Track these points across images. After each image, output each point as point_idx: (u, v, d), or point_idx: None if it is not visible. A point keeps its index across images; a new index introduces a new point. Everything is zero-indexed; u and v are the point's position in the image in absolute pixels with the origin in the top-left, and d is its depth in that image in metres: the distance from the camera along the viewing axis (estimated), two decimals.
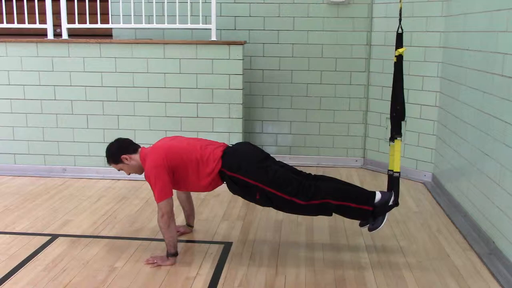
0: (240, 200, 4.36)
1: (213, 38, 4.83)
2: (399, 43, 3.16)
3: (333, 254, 3.40)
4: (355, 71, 5.43)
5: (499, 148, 3.29)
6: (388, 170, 3.25)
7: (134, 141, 4.89)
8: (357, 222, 3.95)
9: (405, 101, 4.93)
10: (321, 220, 3.97)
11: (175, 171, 3.16)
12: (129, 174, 3.40)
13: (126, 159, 3.27)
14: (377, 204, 3.11)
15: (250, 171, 3.11)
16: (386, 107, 5.19)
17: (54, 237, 3.62)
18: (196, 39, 5.33)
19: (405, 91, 4.91)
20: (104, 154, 3.36)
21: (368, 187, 4.80)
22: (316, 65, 5.47)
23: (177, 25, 4.89)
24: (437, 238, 3.66)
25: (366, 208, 3.11)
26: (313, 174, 3.31)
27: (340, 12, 5.34)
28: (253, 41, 5.44)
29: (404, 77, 4.89)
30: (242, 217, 4.03)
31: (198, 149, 3.20)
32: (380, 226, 3.13)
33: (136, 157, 3.28)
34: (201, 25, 4.91)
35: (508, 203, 3.12)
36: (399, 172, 3.21)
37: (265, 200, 3.16)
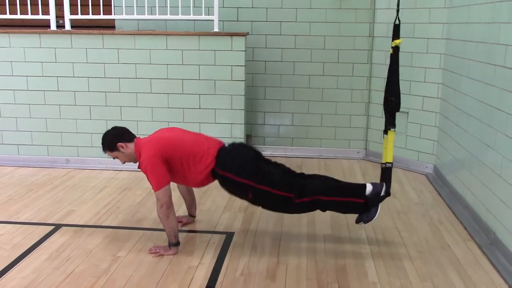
0: None
1: (216, 29, 4.83)
2: (395, 34, 3.17)
3: (335, 245, 3.42)
4: (357, 62, 5.43)
5: (501, 139, 3.30)
6: (382, 163, 3.26)
7: (137, 132, 4.93)
8: (357, 214, 3.99)
9: (408, 92, 5.03)
10: (322, 212, 3.99)
11: (170, 163, 3.18)
12: (123, 163, 3.39)
13: (122, 147, 3.27)
14: (369, 196, 3.13)
15: (243, 172, 3.13)
16: None
17: (57, 226, 3.65)
18: (198, 30, 5.34)
19: (407, 83, 5.02)
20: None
21: (370, 178, 4.84)
22: (318, 57, 5.46)
23: (180, 16, 4.89)
24: (438, 228, 3.68)
25: (358, 201, 3.13)
26: (305, 173, 3.34)
27: (342, 3, 5.32)
28: (255, 33, 5.44)
29: (407, 68, 4.99)
30: (243, 208, 4.05)
31: (194, 145, 3.23)
32: (375, 217, 3.15)
33: (131, 145, 3.28)
34: (203, 16, 4.91)
35: (509, 194, 3.13)
36: (391, 163, 3.23)
37: (258, 199, 3.20)
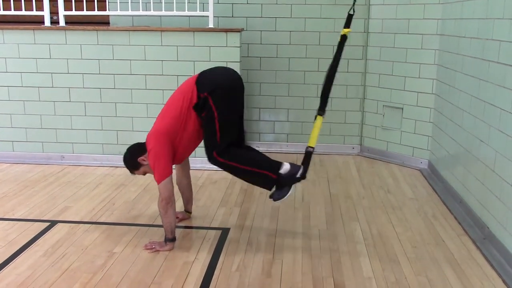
0: (237, 186, 4.40)
1: (211, 25, 4.83)
2: (347, 24, 3.26)
3: (330, 240, 3.43)
4: (352, 58, 5.43)
5: (495, 134, 3.32)
6: (307, 146, 3.29)
7: (132, 128, 4.93)
8: (351, 210, 4.01)
9: (403, 88, 5.05)
10: (318, 208, 4.01)
11: (174, 142, 3.18)
12: None
13: (143, 160, 3.28)
14: (284, 175, 3.19)
15: (216, 94, 3.11)
16: (383, 94, 5.25)
17: (53, 223, 3.64)
18: (193, 26, 5.33)
19: (402, 79, 5.05)
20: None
21: (365, 174, 4.86)
22: (313, 53, 5.47)
23: (174, 12, 4.88)
24: (432, 224, 3.70)
25: (270, 175, 3.20)
26: (243, 141, 3.37)
27: None
28: (250, 29, 5.43)
29: (401, 64, 5.01)
30: (239, 204, 4.06)
31: (174, 104, 3.21)
32: (286, 196, 3.22)
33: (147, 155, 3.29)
34: (198, 12, 4.90)
35: (503, 189, 3.15)
36: (313, 148, 3.27)
37: (205, 122, 3.15)
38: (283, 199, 3.22)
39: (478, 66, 3.68)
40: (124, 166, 3.41)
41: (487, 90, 3.48)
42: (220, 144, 3.14)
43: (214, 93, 3.11)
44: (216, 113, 3.10)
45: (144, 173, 3.40)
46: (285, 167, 3.21)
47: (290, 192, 3.23)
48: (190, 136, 3.23)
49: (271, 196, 3.28)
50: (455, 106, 4.18)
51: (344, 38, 3.25)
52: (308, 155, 3.28)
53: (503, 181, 3.14)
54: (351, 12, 3.25)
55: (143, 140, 3.33)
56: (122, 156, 3.40)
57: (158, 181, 3.14)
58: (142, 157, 3.29)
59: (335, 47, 5.26)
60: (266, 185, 3.29)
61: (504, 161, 3.14)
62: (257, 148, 4.92)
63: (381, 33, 5.20)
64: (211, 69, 3.39)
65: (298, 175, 3.22)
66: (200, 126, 3.23)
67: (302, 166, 3.25)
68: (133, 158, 3.32)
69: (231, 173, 3.34)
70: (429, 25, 4.78)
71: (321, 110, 3.29)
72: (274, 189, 3.27)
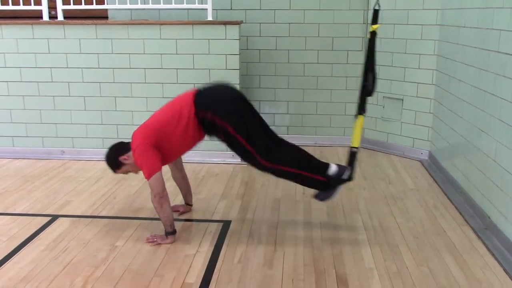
0: (238, 179, 4.40)
1: (209, 18, 4.81)
2: (374, 19, 3.15)
3: (331, 231, 3.44)
4: (351, 50, 5.42)
5: (495, 124, 3.31)
6: (350, 147, 3.27)
7: (132, 122, 4.93)
8: (353, 201, 4.01)
9: (403, 79, 5.03)
10: (318, 201, 4.00)
11: (159, 145, 3.16)
12: (137, 173, 3.37)
13: (125, 159, 3.27)
14: (332, 176, 3.17)
15: (219, 110, 3.10)
16: (383, 85, 5.23)
17: (54, 217, 3.65)
18: (192, 19, 5.31)
19: (401, 69, 5.02)
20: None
21: (365, 165, 4.86)
22: (313, 45, 5.46)
23: (173, 5, 4.87)
24: (433, 214, 3.71)
25: (320, 179, 3.18)
26: (280, 138, 3.29)
27: None
28: (249, 21, 5.42)
29: (401, 55, 4.99)
30: (240, 196, 4.06)
31: (169, 108, 3.20)
32: (331, 197, 3.21)
33: (130, 153, 3.26)
34: (197, 5, 4.89)
35: (504, 178, 3.15)
36: (357, 148, 3.25)
37: (228, 142, 3.17)
38: (328, 200, 3.22)
39: (478, 56, 3.67)
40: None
41: (488, 79, 3.47)
42: (257, 151, 3.10)
43: (217, 111, 3.10)
44: (230, 128, 3.09)
45: (126, 172, 3.38)
46: (333, 169, 3.17)
47: (336, 193, 3.21)
48: (179, 141, 3.21)
49: (315, 197, 3.27)
50: (456, 97, 4.17)
51: (373, 34, 3.15)
52: (353, 155, 3.24)
53: (504, 171, 3.14)
54: (377, 7, 3.13)
55: None
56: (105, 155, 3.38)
57: (148, 177, 3.12)
58: (124, 156, 3.27)
59: (334, 39, 5.39)
60: (317, 187, 3.26)
61: (505, 150, 3.14)
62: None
63: (381, 24, 5.14)
64: (206, 88, 3.29)
65: (345, 177, 3.19)
66: (198, 138, 3.26)
67: (348, 168, 3.22)
68: (115, 156, 3.29)
69: (282, 177, 3.30)
70: (429, 15, 4.76)
71: (362, 109, 3.23)
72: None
